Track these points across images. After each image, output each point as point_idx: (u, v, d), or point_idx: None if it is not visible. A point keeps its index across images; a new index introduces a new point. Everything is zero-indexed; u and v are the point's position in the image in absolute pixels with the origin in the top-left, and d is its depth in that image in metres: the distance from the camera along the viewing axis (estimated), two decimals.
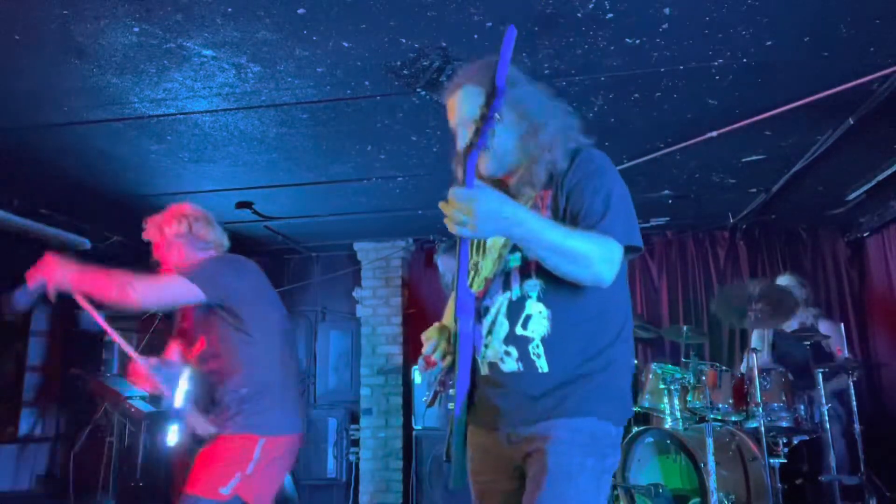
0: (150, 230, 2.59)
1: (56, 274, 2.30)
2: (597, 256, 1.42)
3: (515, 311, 1.55)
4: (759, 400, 3.62)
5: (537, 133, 1.56)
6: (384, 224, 5.47)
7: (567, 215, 1.52)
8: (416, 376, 4.75)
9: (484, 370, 1.60)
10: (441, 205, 1.39)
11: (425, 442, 4.55)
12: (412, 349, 5.99)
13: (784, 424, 3.75)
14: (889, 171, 4.03)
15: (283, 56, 2.77)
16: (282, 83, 3.01)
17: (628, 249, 1.49)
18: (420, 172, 4.21)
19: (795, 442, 3.91)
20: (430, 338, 1.66)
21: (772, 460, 3.60)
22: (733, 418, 3.89)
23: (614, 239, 1.45)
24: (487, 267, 1.64)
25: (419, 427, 4.59)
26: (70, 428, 5.04)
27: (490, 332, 1.58)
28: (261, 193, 4.62)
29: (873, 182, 4.21)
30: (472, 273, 1.67)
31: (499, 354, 1.55)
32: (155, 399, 4.07)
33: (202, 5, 2.41)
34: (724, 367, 3.94)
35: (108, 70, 2.85)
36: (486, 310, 1.59)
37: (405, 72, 2.91)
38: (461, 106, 1.63)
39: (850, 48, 2.74)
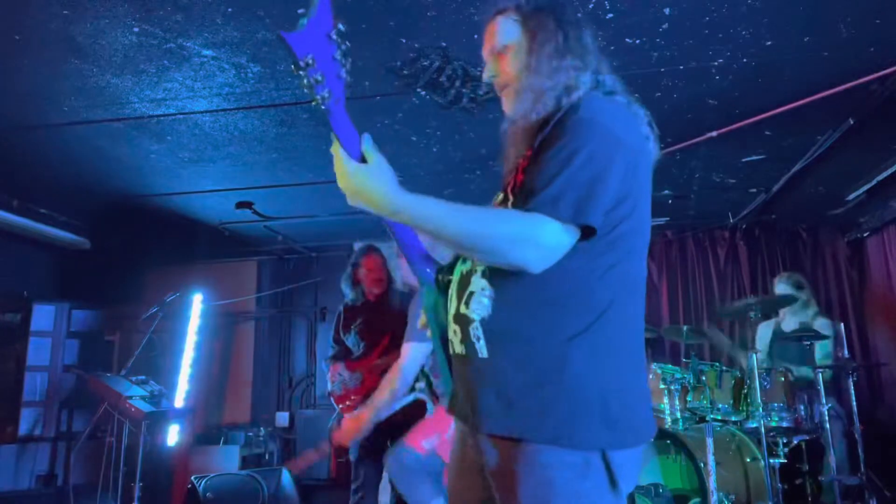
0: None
1: (354, 434, 2.66)
2: (507, 240, 1.17)
3: (462, 285, 1.36)
4: (759, 400, 3.62)
5: (558, 71, 1.34)
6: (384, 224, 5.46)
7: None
8: None
9: (451, 349, 1.42)
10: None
11: None
12: None
13: (784, 424, 3.75)
14: (889, 171, 4.03)
15: (283, 56, 2.77)
16: (282, 83, 3.01)
17: (582, 229, 1.21)
18: (420, 172, 4.21)
19: (795, 442, 3.90)
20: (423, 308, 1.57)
21: (772, 460, 3.60)
22: (733, 418, 3.88)
23: (549, 215, 1.18)
24: None
25: None
26: (70, 428, 5.04)
27: (447, 307, 1.43)
28: (261, 193, 4.62)
29: (873, 182, 4.21)
30: None
31: (450, 333, 1.39)
32: (155, 399, 4.07)
33: (202, 5, 2.41)
34: (724, 367, 3.94)
35: (108, 70, 2.85)
36: (447, 282, 1.44)
37: (405, 72, 2.91)
38: (491, 35, 1.46)
39: (850, 48, 2.74)
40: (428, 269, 1.42)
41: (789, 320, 4.50)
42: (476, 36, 2.64)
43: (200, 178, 4.27)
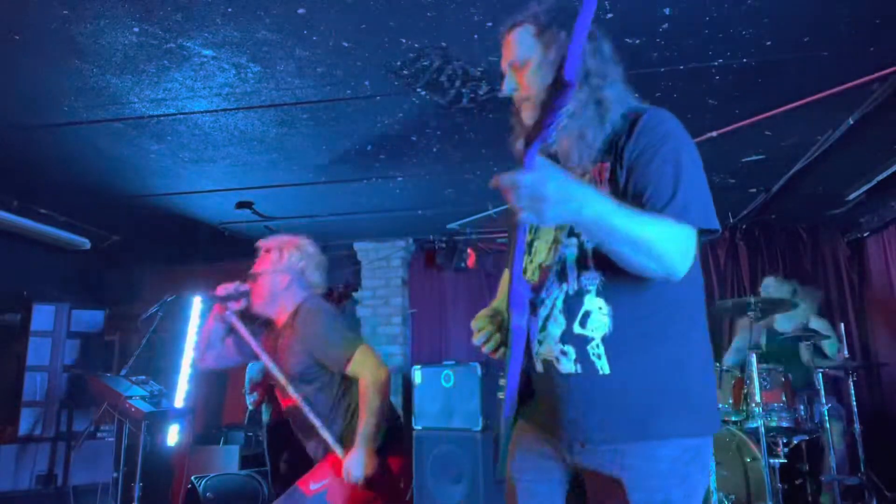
0: (272, 248, 2.67)
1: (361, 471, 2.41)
2: (671, 248, 1.23)
3: (573, 306, 1.37)
4: (759, 400, 3.62)
5: (598, 94, 1.37)
6: (384, 224, 5.47)
7: (629, 192, 1.31)
8: (417, 376, 4.75)
9: (539, 367, 1.44)
10: (496, 183, 1.16)
11: (426, 442, 4.54)
12: (413, 349, 5.99)
13: (784, 424, 3.75)
14: (889, 171, 4.03)
15: (283, 56, 2.77)
16: (282, 83, 3.01)
17: (703, 232, 1.30)
18: (420, 172, 4.21)
19: (795, 442, 3.90)
20: (481, 328, 1.52)
21: (772, 460, 3.60)
22: (733, 418, 3.89)
23: (688, 223, 1.25)
24: (542, 251, 1.46)
25: (419, 427, 4.59)
26: (70, 428, 5.04)
27: (544, 328, 1.41)
28: (261, 193, 4.62)
29: (873, 182, 4.21)
30: (526, 256, 1.49)
31: (554, 353, 1.39)
32: (155, 399, 4.07)
33: (202, 5, 2.41)
34: (724, 367, 3.94)
35: (108, 70, 2.85)
36: (542, 302, 1.41)
37: (405, 72, 2.91)
38: (512, 46, 1.45)
39: (850, 48, 2.74)
40: (523, 292, 1.39)
41: (781, 322, 4.50)
42: (476, 36, 2.64)
43: (200, 178, 4.27)
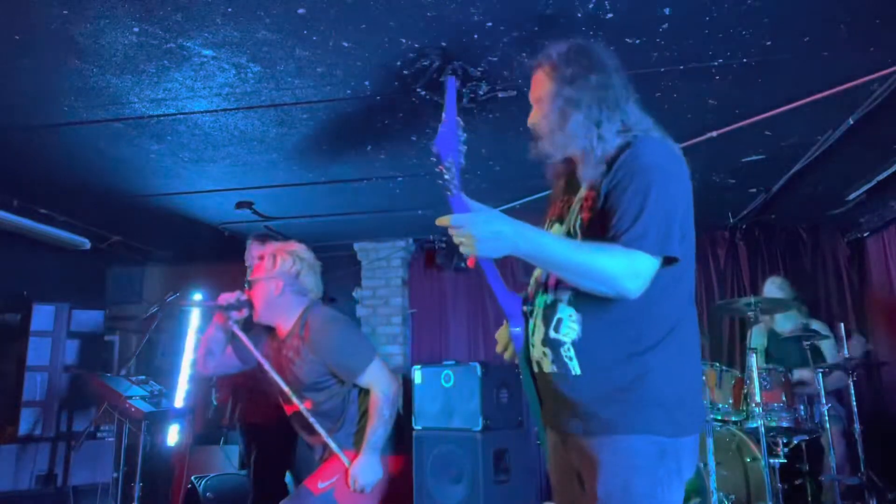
0: (265, 255, 2.68)
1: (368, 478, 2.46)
2: (616, 272, 1.38)
3: (549, 314, 1.55)
4: (759, 400, 3.62)
5: (573, 122, 1.54)
6: (384, 224, 5.47)
7: (602, 218, 1.47)
8: (417, 376, 4.75)
9: (535, 368, 1.61)
10: (442, 222, 1.44)
11: (426, 442, 4.53)
12: (413, 349, 5.99)
13: (784, 424, 3.75)
14: (889, 171, 4.03)
15: (283, 56, 2.76)
16: (282, 83, 3.01)
17: (666, 260, 1.43)
18: (420, 172, 4.21)
19: (795, 442, 3.90)
20: (501, 338, 1.71)
21: (772, 460, 3.60)
22: (733, 418, 3.88)
23: (643, 250, 1.39)
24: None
25: (419, 427, 4.59)
26: (70, 428, 5.04)
27: (533, 333, 1.59)
28: (261, 193, 4.62)
29: (873, 182, 4.21)
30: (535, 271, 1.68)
31: (538, 355, 1.57)
32: (155, 399, 4.08)
33: (202, 5, 2.40)
34: (724, 367, 3.94)
35: (108, 70, 2.85)
36: (531, 311, 1.61)
37: (405, 72, 2.91)
38: (533, 87, 1.66)
39: (850, 48, 2.74)
40: (513, 304, 1.60)
41: (782, 323, 4.50)
42: (476, 36, 2.64)
43: (200, 178, 4.27)
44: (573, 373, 1.49)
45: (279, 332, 2.66)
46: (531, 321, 1.60)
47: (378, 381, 2.49)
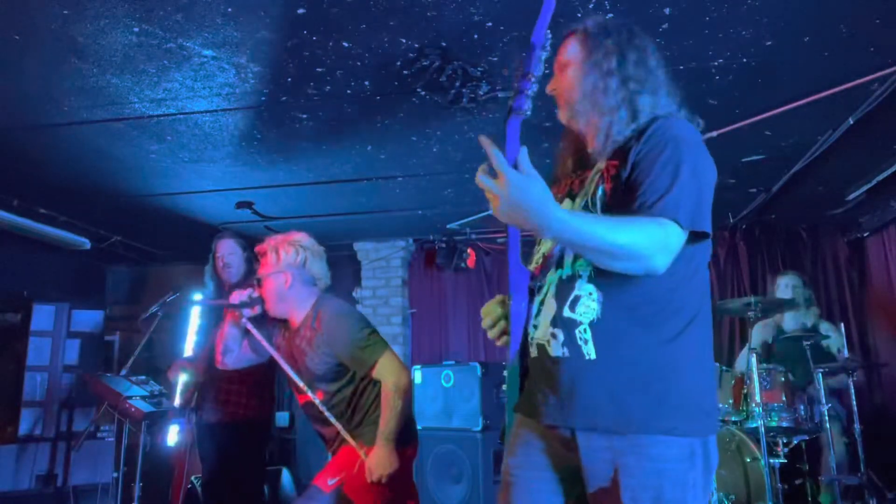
0: (267, 250, 2.70)
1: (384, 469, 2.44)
2: (647, 247, 1.25)
3: (565, 291, 1.41)
4: (759, 400, 3.62)
5: (606, 91, 1.44)
6: (384, 224, 5.47)
7: (629, 186, 1.36)
8: (417, 376, 4.75)
9: (533, 352, 1.47)
10: (481, 170, 1.23)
11: (426, 442, 4.53)
12: (413, 349, 5.99)
13: (784, 424, 3.75)
14: (889, 171, 4.03)
15: (282, 56, 2.77)
16: (282, 83, 3.01)
17: (695, 235, 1.33)
18: (420, 172, 4.21)
19: (795, 442, 3.90)
20: (488, 313, 1.55)
21: (772, 460, 3.60)
22: (733, 418, 3.88)
23: (674, 221, 1.28)
24: (547, 241, 1.52)
25: (419, 427, 4.58)
26: (70, 428, 5.04)
27: (539, 312, 1.45)
28: (261, 193, 4.62)
29: (873, 182, 4.21)
30: (535, 247, 1.56)
31: (546, 336, 1.42)
32: (155, 399, 4.07)
33: (202, 5, 2.41)
34: (724, 367, 3.94)
35: (108, 70, 2.85)
36: (539, 288, 1.47)
37: (405, 72, 2.91)
38: (562, 52, 1.58)
39: (850, 48, 2.74)
40: (522, 277, 1.45)
41: (790, 321, 4.50)
42: (476, 36, 2.64)
43: (200, 178, 4.27)
44: (587, 357, 1.35)
45: (291, 323, 2.70)
46: (538, 298, 1.46)
47: (389, 372, 2.50)
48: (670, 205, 1.29)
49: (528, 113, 1.32)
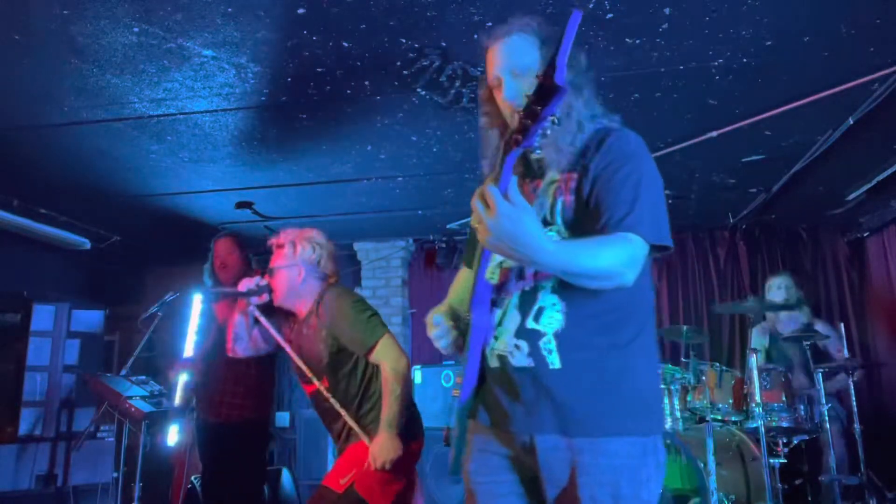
0: (285, 242, 2.72)
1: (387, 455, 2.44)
2: (621, 266, 1.31)
3: (528, 302, 1.43)
4: (759, 400, 3.62)
5: (576, 107, 1.44)
6: (384, 224, 5.47)
7: (592, 203, 1.40)
8: (417, 376, 4.75)
9: (493, 363, 1.48)
10: (474, 199, 1.23)
11: (426, 442, 4.54)
12: (413, 349, 5.99)
13: (784, 424, 3.74)
14: (889, 171, 4.03)
15: (282, 56, 2.77)
16: (282, 83, 3.01)
17: (655, 248, 1.38)
18: (420, 172, 4.21)
19: (795, 442, 3.90)
20: (437, 324, 1.56)
21: (772, 460, 3.59)
22: (733, 418, 3.88)
23: (640, 237, 1.34)
24: None
25: None
26: (70, 428, 5.03)
27: (501, 323, 1.47)
28: (261, 193, 4.62)
29: (873, 182, 4.22)
30: (476, 252, 1.54)
31: (508, 348, 1.44)
32: (155, 399, 4.07)
33: (202, 5, 2.41)
34: (724, 367, 3.94)
35: (108, 70, 2.85)
36: (501, 300, 1.48)
37: (405, 72, 2.91)
38: (512, 52, 1.48)
39: (850, 48, 2.74)
40: (486, 290, 1.46)
41: (786, 323, 4.49)
42: (476, 36, 2.64)
43: (200, 178, 4.27)
44: (551, 367, 1.39)
45: (298, 314, 2.73)
46: (498, 310, 1.47)
47: (388, 357, 2.51)
48: (637, 220, 1.35)
49: (538, 152, 1.33)
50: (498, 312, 1.48)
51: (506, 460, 1.49)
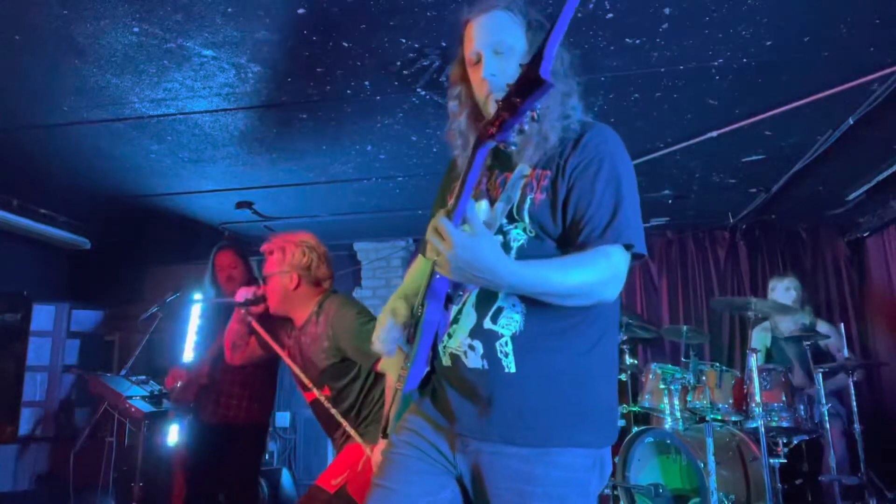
0: (274, 250, 2.70)
1: None
2: (598, 282, 1.27)
3: (486, 301, 1.36)
4: (759, 400, 3.62)
5: (563, 102, 1.38)
6: (384, 224, 5.47)
7: (570, 206, 1.34)
8: None
9: (445, 361, 1.42)
10: (429, 233, 1.21)
11: None
12: None
13: (784, 424, 3.75)
14: (889, 171, 4.03)
15: (283, 56, 2.77)
16: (282, 83, 3.01)
17: (634, 256, 1.34)
18: (420, 172, 4.21)
19: (795, 442, 3.90)
20: (382, 323, 1.48)
21: (772, 460, 3.60)
22: (733, 418, 3.89)
23: (622, 248, 1.30)
24: None
25: None
26: (70, 428, 5.04)
27: (456, 320, 1.40)
28: (261, 193, 4.62)
29: (873, 182, 4.22)
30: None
31: (462, 347, 1.38)
32: (155, 399, 4.07)
33: (202, 5, 2.41)
34: (724, 367, 3.94)
35: (108, 70, 2.85)
36: (458, 296, 1.40)
37: (405, 72, 2.91)
38: (496, 28, 1.39)
39: (850, 48, 2.74)
40: (442, 285, 1.37)
41: (787, 323, 4.49)
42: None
43: (200, 178, 4.27)
44: (506, 370, 1.33)
45: (296, 322, 2.71)
46: (455, 307, 1.40)
47: (394, 367, 2.51)
48: (618, 231, 1.30)
49: (513, 147, 1.21)
50: (454, 309, 1.41)
51: (434, 453, 1.42)
